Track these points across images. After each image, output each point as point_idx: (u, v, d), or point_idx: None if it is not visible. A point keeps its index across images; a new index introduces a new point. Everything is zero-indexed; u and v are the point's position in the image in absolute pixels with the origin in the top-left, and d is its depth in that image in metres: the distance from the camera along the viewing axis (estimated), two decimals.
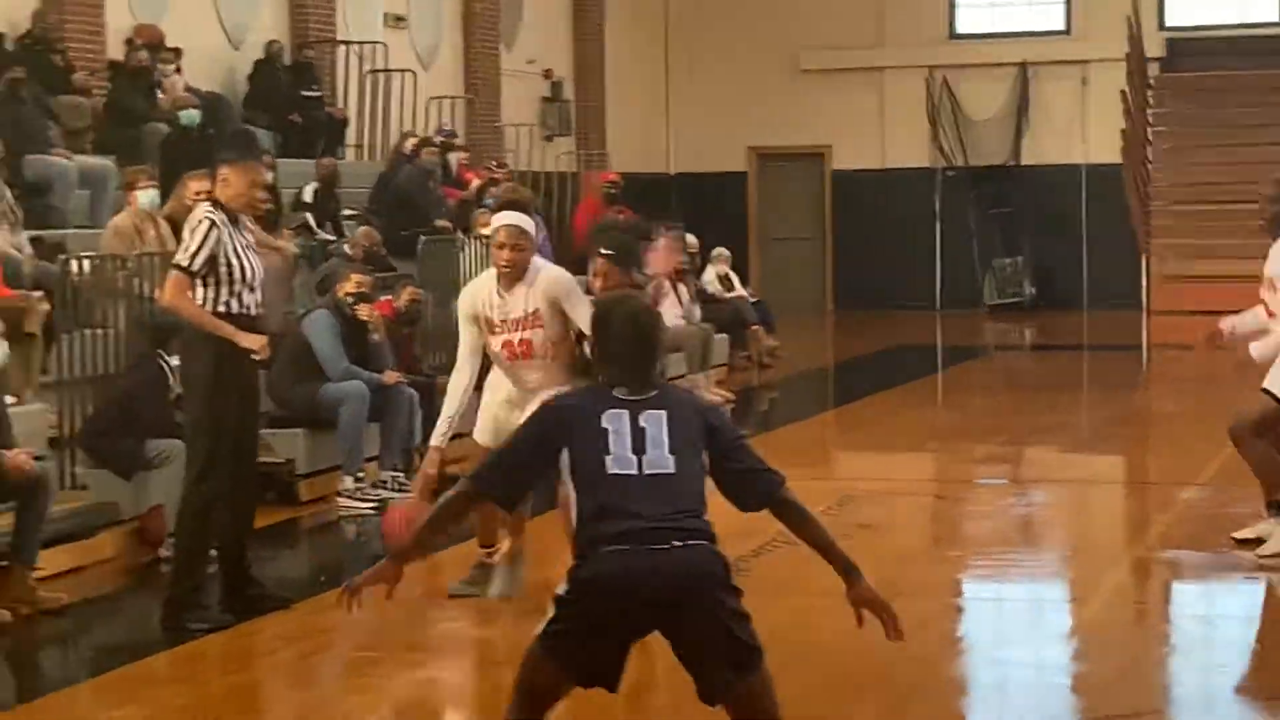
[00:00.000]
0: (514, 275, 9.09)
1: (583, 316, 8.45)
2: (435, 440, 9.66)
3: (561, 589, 5.83)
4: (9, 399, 10.89)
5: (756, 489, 6.08)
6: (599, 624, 5.81)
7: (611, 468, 5.84)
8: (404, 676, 8.81)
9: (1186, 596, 11.27)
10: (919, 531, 13.15)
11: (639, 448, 5.87)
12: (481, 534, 9.76)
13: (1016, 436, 17.45)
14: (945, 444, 17.42)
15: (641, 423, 5.91)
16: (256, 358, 9.80)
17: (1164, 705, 8.49)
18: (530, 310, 9.11)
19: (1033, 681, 8.87)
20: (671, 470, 5.82)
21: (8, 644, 9.68)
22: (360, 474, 13.27)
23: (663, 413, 5.93)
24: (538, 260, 9.38)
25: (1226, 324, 10.72)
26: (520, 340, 9.12)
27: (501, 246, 9.10)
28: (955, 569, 11.70)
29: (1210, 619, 10.52)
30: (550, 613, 5.81)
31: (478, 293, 9.42)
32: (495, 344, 9.33)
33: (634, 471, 5.83)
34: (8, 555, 10.07)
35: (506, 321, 9.13)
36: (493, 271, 9.39)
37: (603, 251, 9.81)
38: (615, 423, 5.92)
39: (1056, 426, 18.09)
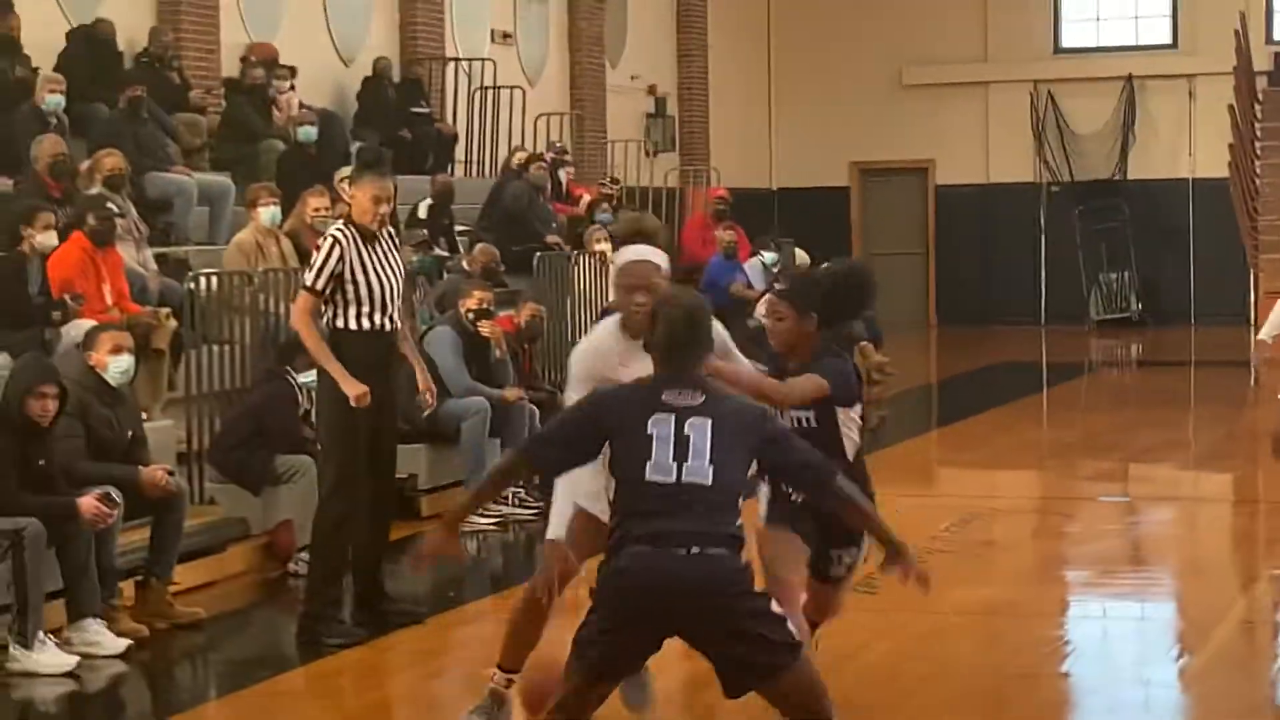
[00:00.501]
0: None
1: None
2: (552, 533, 7.68)
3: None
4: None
5: (807, 480, 6.39)
6: (622, 618, 5.96)
7: (651, 474, 5.95)
8: None
9: None
10: (1041, 549, 13.05)
11: (681, 455, 5.97)
12: (507, 652, 7.74)
13: (1128, 453, 17.41)
14: (1059, 461, 17.42)
15: (686, 430, 6.00)
16: (355, 405, 9.66)
17: None
18: None
19: (1169, 701, 8.83)
20: (709, 482, 5.92)
21: (145, 658, 9.67)
22: None
23: (708, 421, 6.00)
24: None
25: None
26: None
27: (633, 289, 7.30)
28: (1080, 587, 11.72)
29: None
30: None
31: (600, 347, 7.58)
32: None
33: (671, 479, 5.93)
34: (144, 570, 10.13)
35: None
36: (612, 322, 7.60)
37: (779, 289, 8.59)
38: (661, 428, 6.01)
39: (1167, 443, 18.05)
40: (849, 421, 6.72)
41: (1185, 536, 13.53)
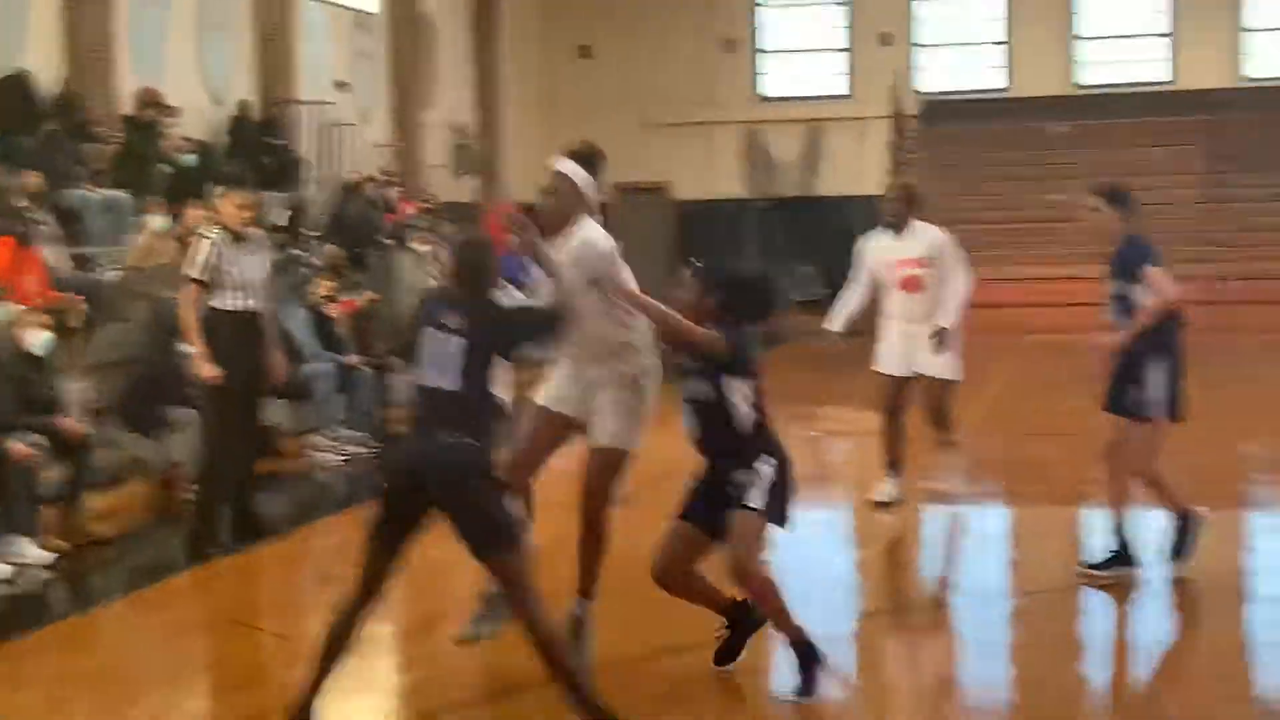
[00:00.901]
0: (550, 225, 6.85)
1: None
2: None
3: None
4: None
5: (544, 329, 6.35)
6: (392, 488, 6.04)
7: (417, 378, 6.10)
8: None
9: None
10: None
11: (439, 362, 5.96)
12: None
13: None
14: None
15: (446, 343, 5.96)
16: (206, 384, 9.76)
17: None
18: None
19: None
20: (456, 385, 5.90)
21: (66, 567, 9.58)
22: (331, 434, 13.41)
23: (465, 341, 5.92)
24: (586, 222, 6.89)
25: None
26: None
27: (544, 192, 7.16)
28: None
29: None
30: None
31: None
32: None
33: (430, 382, 5.98)
34: (65, 499, 10.07)
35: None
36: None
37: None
38: (430, 340, 6.00)
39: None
40: (742, 396, 6.22)
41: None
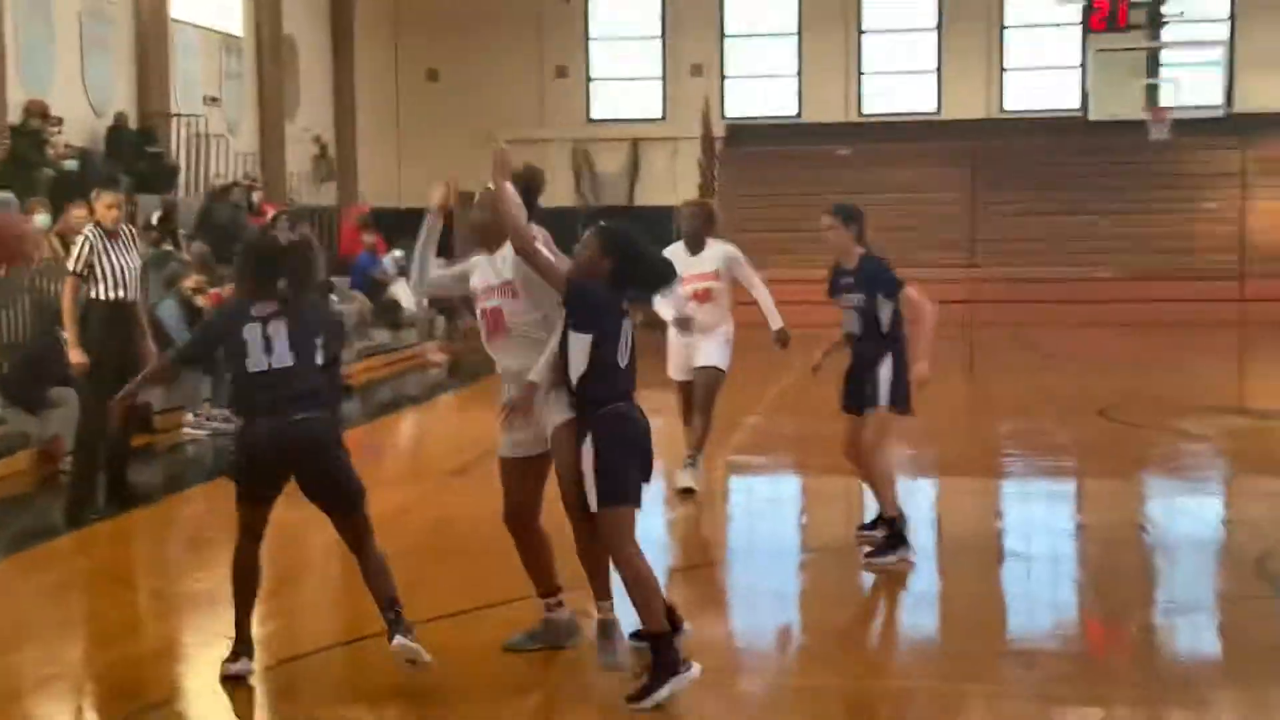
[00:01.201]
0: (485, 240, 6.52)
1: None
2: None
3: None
4: None
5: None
6: (254, 465, 5.96)
7: (250, 368, 5.92)
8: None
9: None
10: None
11: (269, 350, 5.91)
12: (536, 579, 6.53)
13: None
14: None
15: (269, 332, 5.91)
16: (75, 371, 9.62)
17: None
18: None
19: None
20: (291, 364, 5.91)
21: None
22: (198, 412, 13.19)
23: (283, 322, 5.94)
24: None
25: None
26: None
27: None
28: None
29: None
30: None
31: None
32: None
33: (264, 368, 5.90)
34: None
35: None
36: None
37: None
38: (250, 334, 5.91)
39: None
40: (579, 348, 5.81)
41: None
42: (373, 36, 29.33)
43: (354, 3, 28.44)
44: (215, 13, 23.53)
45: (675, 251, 9.59)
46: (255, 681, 6.02)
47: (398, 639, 5.76)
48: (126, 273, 9.53)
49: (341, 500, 6.01)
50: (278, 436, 5.91)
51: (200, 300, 13.65)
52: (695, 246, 9.80)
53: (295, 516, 6.53)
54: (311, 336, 6.05)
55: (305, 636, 6.93)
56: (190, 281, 13.88)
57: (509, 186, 6.21)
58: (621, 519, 5.77)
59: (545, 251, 6.02)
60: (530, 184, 6.56)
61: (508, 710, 5.78)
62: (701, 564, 8.61)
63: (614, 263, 5.95)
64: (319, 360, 6.07)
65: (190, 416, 13.19)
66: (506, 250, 6.16)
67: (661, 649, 5.62)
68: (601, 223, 6.28)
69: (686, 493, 9.72)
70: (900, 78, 30.02)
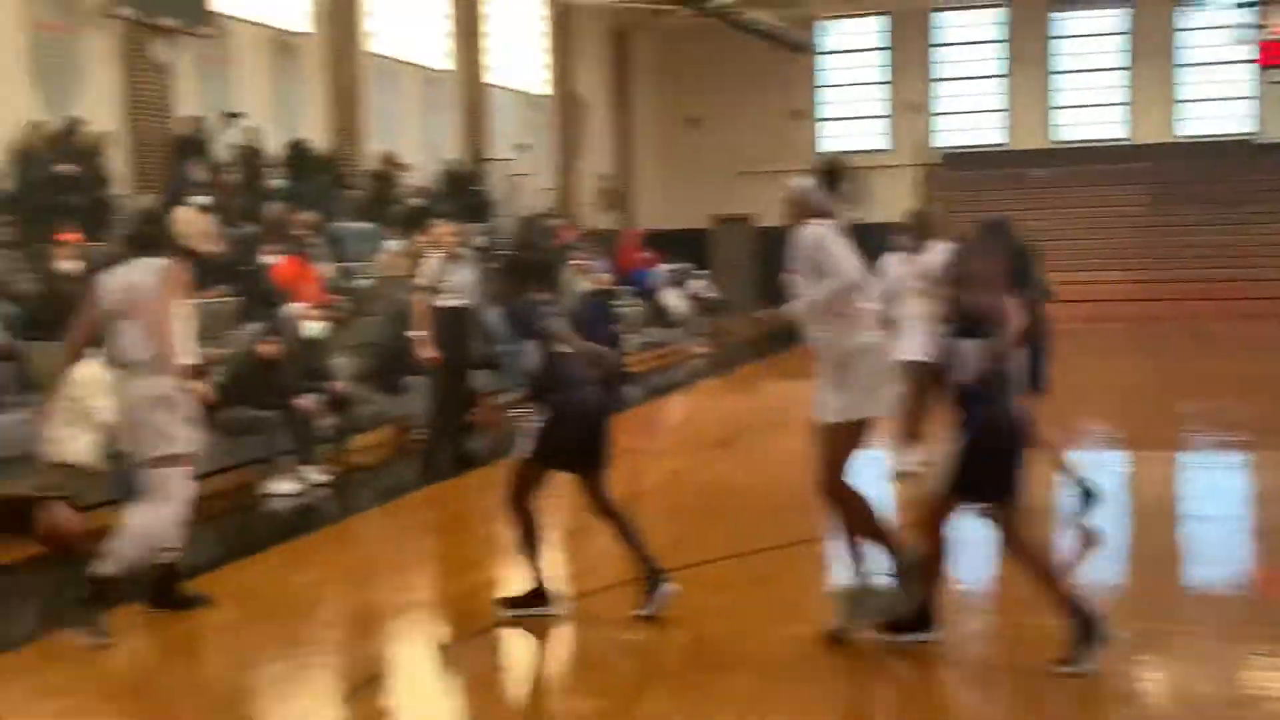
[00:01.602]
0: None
1: None
2: None
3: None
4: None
5: None
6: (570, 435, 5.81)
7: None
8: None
9: None
10: None
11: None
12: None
13: None
14: None
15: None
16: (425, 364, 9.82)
17: None
18: None
19: None
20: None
21: (336, 486, 9.60)
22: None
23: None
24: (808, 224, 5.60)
25: None
26: None
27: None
28: None
29: None
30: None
31: None
32: None
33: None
34: (335, 439, 10.13)
35: None
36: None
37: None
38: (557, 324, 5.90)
39: None
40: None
41: None
42: (646, 92, 29.61)
43: (631, 65, 28.81)
44: (523, 78, 24.14)
45: (896, 255, 8.98)
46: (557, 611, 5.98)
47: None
48: (464, 286, 9.85)
49: (607, 462, 5.98)
50: (589, 408, 5.92)
51: None
52: (916, 249, 8.90)
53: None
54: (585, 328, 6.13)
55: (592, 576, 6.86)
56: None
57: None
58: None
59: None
60: (833, 172, 5.80)
61: (774, 631, 5.72)
62: None
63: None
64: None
65: (513, 398, 13.21)
66: None
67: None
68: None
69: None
70: (1089, 110, 29.00)
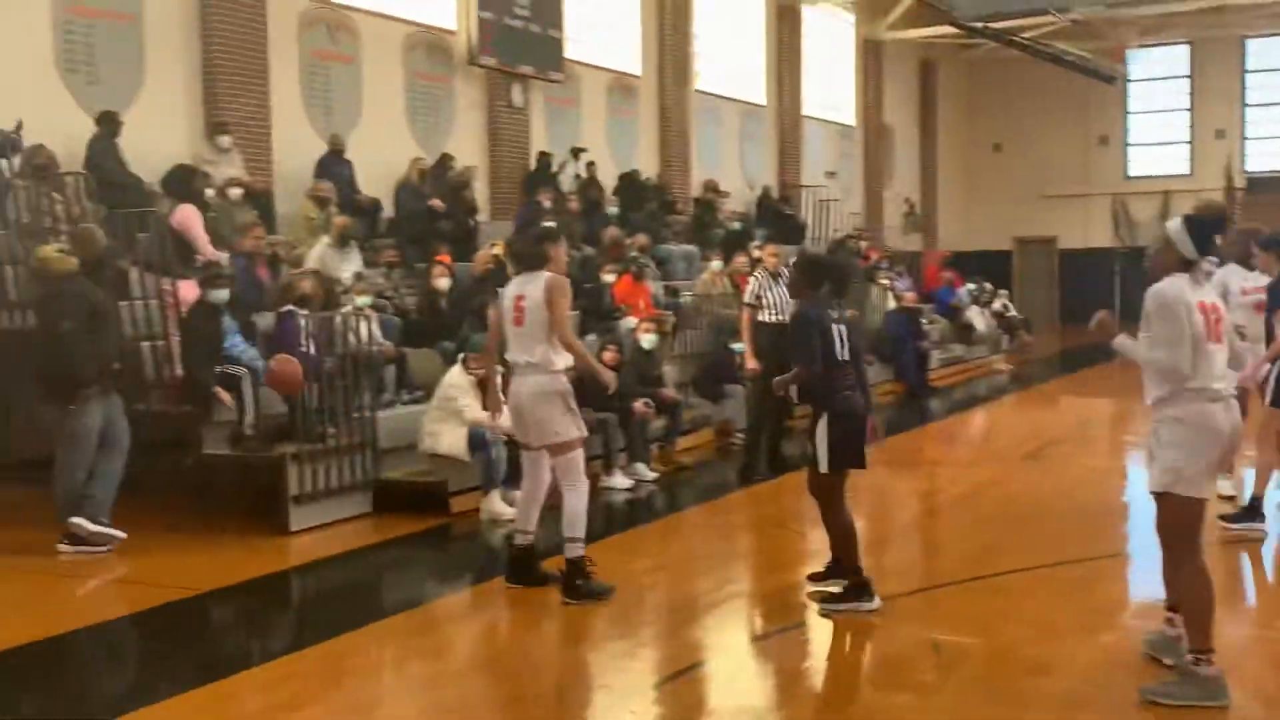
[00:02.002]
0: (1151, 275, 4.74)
1: None
2: None
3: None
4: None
5: None
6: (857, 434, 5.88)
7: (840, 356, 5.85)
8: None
9: None
10: None
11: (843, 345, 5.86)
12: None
13: None
14: None
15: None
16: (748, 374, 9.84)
17: None
18: None
19: None
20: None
21: (664, 483, 9.72)
22: None
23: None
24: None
25: None
26: None
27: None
28: None
29: None
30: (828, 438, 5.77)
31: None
32: None
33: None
34: (664, 440, 10.33)
35: None
36: None
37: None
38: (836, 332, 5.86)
39: None
40: None
41: None
42: (951, 120, 28.91)
43: (936, 96, 28.26)
44: (834, 110, 24.01)
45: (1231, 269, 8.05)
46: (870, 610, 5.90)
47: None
48: (783, 302, 9.73)
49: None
50: (862, 411, 5.90)
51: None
52: (1248, 263, 8.12)
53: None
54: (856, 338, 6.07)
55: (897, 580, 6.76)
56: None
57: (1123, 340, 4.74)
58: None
59: None
60: (1210, 219, 4.89)
61: (1083, 640, 5.44)
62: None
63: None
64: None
65: None
66: None
67: None
68: None
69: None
70: None
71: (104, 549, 7.41)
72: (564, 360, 6.28)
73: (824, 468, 5.89)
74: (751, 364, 9.73)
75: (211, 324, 8.13)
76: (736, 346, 10.86)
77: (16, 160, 8.99)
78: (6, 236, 8.68)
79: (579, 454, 6.31)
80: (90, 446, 7.45)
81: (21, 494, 9.02)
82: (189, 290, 8.43)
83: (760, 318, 9.81)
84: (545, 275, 6.23)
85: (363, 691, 5.21)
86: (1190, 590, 4.59)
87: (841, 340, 5.90)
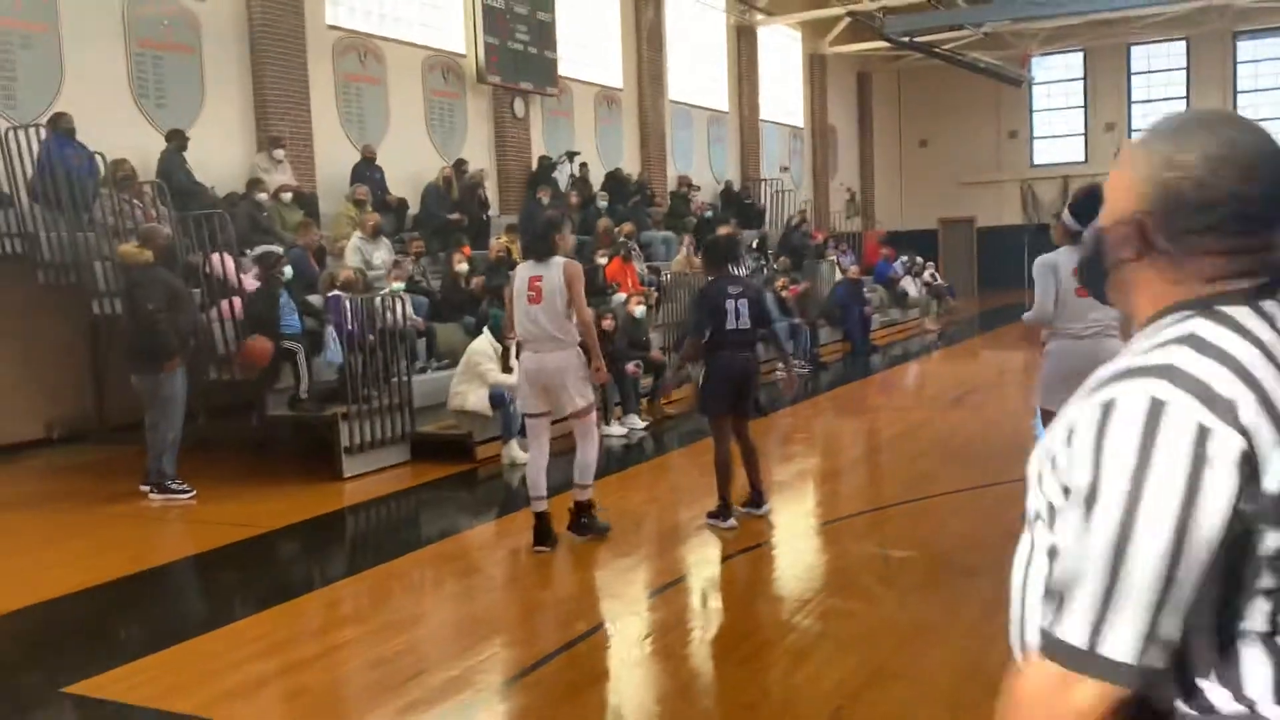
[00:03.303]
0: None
1: None
2: None
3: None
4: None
5: None
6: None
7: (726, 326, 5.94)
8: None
9: None
10: None
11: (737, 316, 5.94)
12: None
13: None
14: None
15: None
16: None
17: None
18: None
19: None
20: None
21: (652, 431, 9.71)
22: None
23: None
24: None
25: None
26: None
27: None
28: None
29: None
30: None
31: None
32: None
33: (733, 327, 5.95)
34: (651, 395, 10.19)
35: None
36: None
37: None
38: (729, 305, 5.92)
39: None
40: None
41: None
42: (884, 120, 28.77)
43: (871, 100, 28.17)
44: (786, 114, 23.94)
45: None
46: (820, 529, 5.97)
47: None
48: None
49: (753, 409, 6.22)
50: (737, 368, 6.03)
51: (785, 293, 13.72)
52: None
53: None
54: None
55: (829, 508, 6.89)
56: (779, 281, 13.98)
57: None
58: None
59: None
60: (1083, 197, 4.89)
61: (1008, 548, 5.62)
62: None
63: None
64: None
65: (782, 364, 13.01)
66: None
67: None
68: None
69: None
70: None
71: (186, 496, 7.43)
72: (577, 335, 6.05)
73: (698, 410, 6.18)
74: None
75: (271, 306, 8.11)
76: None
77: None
78: (96, 237, 8.66)
79: (594, 415, 6.08)
80: (178, 409, 7.44)
81: (114, 452, 9.09)
82: (249, 282, 8.42)
83: None
84: (563, 261, 5.85)
85: (408, 606, 5.26)
86: None
87: (736, 312, 5.94)
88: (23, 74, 9.65)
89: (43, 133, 8.95)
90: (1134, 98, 27.82)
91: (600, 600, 5.36)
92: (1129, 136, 27.61)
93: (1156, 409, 1.09)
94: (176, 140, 10.20)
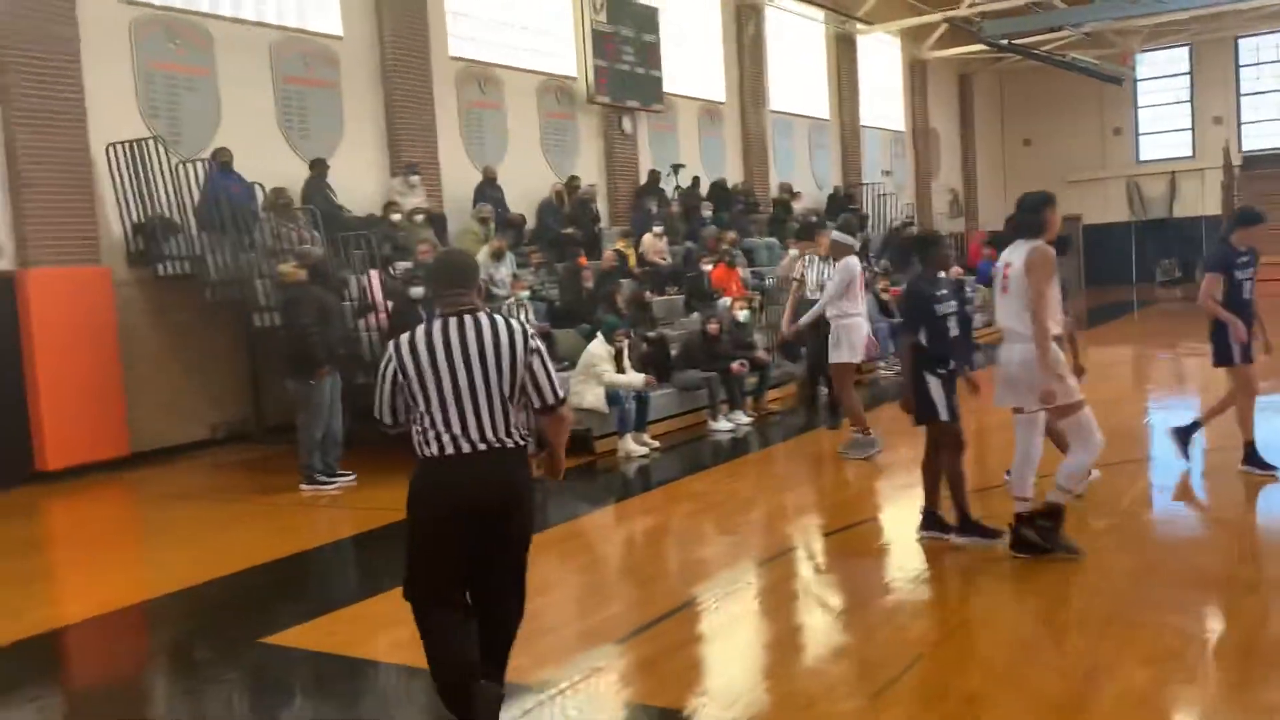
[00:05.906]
0: None
1: None
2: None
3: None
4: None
5: None
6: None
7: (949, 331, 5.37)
8: None
9: None
10: None
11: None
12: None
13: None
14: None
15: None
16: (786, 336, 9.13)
17: None
18: None
19: None
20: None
21: (757, 425, 9.85)
22: (887, 362, 12.82)
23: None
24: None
25: None
26: None
27: None
28: None
29: None
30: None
31: None
32: None
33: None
34: (756, 392, 10.43)
35: None
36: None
37: None
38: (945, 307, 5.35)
39: None
40: None
41: None
42: (986, 121, 28.50)
43: (973, 102, 27.90)
44: (888, 119, 23.92)
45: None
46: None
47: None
48: (822, 280, 9.02)
49: None
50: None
51: (884, 294, 13.90)
52: None
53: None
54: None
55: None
56: (880, 283, 13.93)
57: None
58: None
59: None
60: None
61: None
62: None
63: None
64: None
65: (882, 365, 12.66)
66: None
67: None
68: None
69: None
70: None
71: (333, 488, 8.08)
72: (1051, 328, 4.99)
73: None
74: (782, 331, 9.15)
75: (411, 315, 8.77)
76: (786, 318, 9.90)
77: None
78: (256, 258, 9.44)
79: (1085, 413, 5.01)
80: (325, 412, 8.12)
81: (270, 450, 9.88)
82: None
83: (802, 294, 9.21)
84: (1029, 245, 4.97)
85: (538, 577, 5.68)
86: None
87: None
88: (186, 114, 10.60)
89: (207, 166, 9.81)
90: (1243, 90, 26.99)
91: (712, 570, 5.72)
92: (1238, 130, 26.81)
93: None
94: (319, 168, 11.03)
